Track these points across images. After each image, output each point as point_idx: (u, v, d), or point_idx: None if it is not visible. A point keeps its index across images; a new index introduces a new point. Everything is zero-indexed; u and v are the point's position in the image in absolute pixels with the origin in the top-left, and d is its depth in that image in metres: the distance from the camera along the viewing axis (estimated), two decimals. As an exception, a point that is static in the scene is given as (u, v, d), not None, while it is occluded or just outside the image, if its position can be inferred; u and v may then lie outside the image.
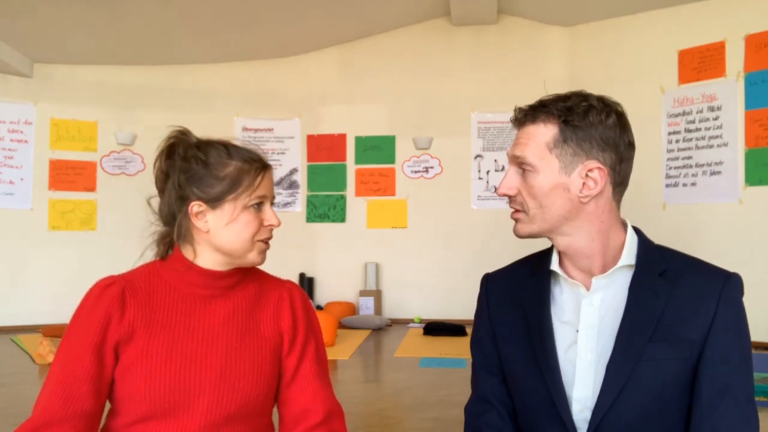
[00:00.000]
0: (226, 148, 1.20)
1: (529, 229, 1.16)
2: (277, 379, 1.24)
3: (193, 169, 1.18)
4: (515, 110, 1.17)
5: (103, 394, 1.16)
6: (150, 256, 1.28)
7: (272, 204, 1.24)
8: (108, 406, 1.21)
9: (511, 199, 1.17)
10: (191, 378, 1.14)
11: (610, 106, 1.15)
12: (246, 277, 1.27)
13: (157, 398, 1.12)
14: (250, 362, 1.19)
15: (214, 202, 1.17)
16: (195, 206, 1.18)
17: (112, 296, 1.17)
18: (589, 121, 1.11)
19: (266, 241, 1.22)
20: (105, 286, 1.19)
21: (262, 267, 1.34)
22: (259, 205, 1.20)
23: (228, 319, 1.21)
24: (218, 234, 1.18)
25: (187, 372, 1.14)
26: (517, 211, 1.17)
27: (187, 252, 1.22)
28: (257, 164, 1.20)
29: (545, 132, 1.12)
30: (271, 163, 1.25)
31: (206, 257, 1.21)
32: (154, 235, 1.27)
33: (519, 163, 1.15)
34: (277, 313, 1.26)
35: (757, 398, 2.65)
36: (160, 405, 1.12)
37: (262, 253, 1.22)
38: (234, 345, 1.19)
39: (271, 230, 1.22)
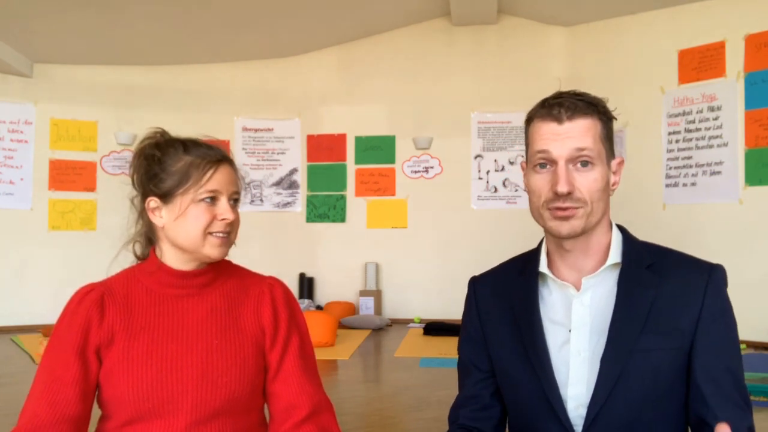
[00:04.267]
0: (185, 144, 1.21)
1: (583, 225, 1.11)
2: (262, 374, 1.25)
3: (151, 166, 1.21)
4: (562, 100, 1.12)
5: (89, 398, 1.17)
6: (124, 259, 1.31)
7: (236, 200, 1.23)
8: (100, 412, 1.22)
9: (567, 197, 1.10)
10: (173, 378, 1.15)
11: None
12: (222, 274, 1.28)
13: (141, 400, 1.13)
14: (232, 359, 1.20)
15: (165, 197, 1.19)
16: (151, 202, 1.21)
17: (91, 302, 1.19)
18: (611, 117, 1.16)
19: (222, 235, 1.21)
20: (85, 293, 1.22)
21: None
22: (212, 200, 1.19)
23: (207, 317, 1.22)
24: (171, 229, 1.20)
25: (168, 372, 1.15)
26: (571, 208, 1.11)
27: (157, 252, 1.25)
28: (208, 158, 1.19)
29: (596, 125, 1.12)
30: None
31: (169, 255, 1.23)
32: (132, 234, 1.29)
33: (576, 158, 1.10)
34: (258, 309, 1.26)
35: (757, 398, 2.66)
36: (144, 406, 1.13)
37: (217, 247, 1.20)
38: (214, 342, 1.20)
39: (226, 224, 1.20)
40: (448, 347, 4.23)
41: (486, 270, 1.33)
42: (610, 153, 1.16)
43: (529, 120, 1.17)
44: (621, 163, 1.17)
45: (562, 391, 1.14)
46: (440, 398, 2.91)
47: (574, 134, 1.10)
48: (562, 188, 1.09)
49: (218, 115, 5.58)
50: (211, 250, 1.20)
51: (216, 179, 1.19)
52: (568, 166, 1.11)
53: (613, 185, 1.17)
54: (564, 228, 1.12)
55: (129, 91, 5.51)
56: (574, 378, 1.14)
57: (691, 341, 1.10)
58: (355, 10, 5.08)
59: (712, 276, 1.12)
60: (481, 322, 1.26)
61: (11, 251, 5.18)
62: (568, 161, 1.11)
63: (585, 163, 1.10)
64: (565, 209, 1.11)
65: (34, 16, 4.52)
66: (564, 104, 1.12)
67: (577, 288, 1.16)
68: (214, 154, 1.21)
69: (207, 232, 1.19)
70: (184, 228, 1.18)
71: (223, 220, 1.19)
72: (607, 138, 1.15)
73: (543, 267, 1.19)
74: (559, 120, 1.11)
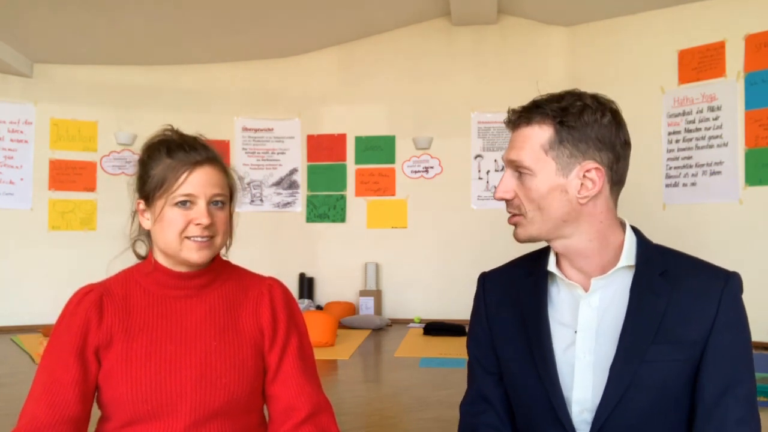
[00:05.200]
0: (169, 147, 1.19)
1: (528, 233, 1.14)
2: (261, 375, 1.24)
3: (140, 168, 1.23)
4: (508, 112, 1.16)
5: (88, 399, 1.17)
6: (125, 259, 1.31)
7: (221, 202, 1.20)
8: (99, 413, 1.22)
9: (509, 202, 1.16)
10: (171, 379, 1.15)
11: (605, 104, 1.13)
12: (221, 275, 1.27)
13: (140, 401, 1.13)
14: (231, 360, 1.19)
15: (147, 200, 1.21)
16: (140, 204, 1.23)
17: (89, 303, 1.19)
18: (584, 121, 1.10)
19: (200, 240, 1.18)
20: (83, 294, 1.21)
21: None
22: (187, 203, 1.17)
23: (206, 318, 1.22)
24: (153, 232, 1.21)
25: (167, 373, 1.15)
26: (515, 215, 1.16)
27: (154, 253, 1.25)
28: (184, 161, 1.17)
29: (540, 134, 1.10)
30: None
31: (160, 258, 1.23)
32: (128, 235, 1.29)
33: (515, 167, 1.13)
34: (257, 310, 1.25)
35: (758, 398, 2.66)
36: (143, 408, 1.13)
37: (195, 252, 1.18)
38: (213, 344, 1.20)
39: (203, 228, 1.17)
40: (448, 347, 4.23)
41: (494, 267, 1.33)
42: (571, 160, 1.10)
43: None
44: (593, 170, 1.10)
45: (566, 395, 1.13)
46: (440, 398, 2.91)
47: (515, 144, 1.14)
48: (496, 194, 1.16)
49: (218, 115, 5.58)
50: (188, 254, 1.18)
51: (191, 182, 1.17)
52: (514, 173, 1.15)
53: (579, 192, 1.10)
54: (514, 233, 1.18)
55: (129, 91, 5.51)
56: (578, 382, 1.12)
57: (702, 351, 1.08)
58: (355, 10, 5.08)
59: (728, 284, 1.10)
60: (489, 322, 1.26)
61: (11, 251, 5.18)
62: (510, 168, 1.15)
63: (521, 172, 1.13)
64: (511, 215, 1.18)
65: (34, 16, 4.51)
66: (511, 114, 1.15)
67: (586, 288, 1.14)
68: (192, 158, 1.18)
69: (184, 237, 1.17)
70: (162, 232, 1.18)
71: (198, 224, 1.17)
72: (569, 144, 1.09)
73: (552, 266, 1.18)
74: (510, 129, 1.17)
